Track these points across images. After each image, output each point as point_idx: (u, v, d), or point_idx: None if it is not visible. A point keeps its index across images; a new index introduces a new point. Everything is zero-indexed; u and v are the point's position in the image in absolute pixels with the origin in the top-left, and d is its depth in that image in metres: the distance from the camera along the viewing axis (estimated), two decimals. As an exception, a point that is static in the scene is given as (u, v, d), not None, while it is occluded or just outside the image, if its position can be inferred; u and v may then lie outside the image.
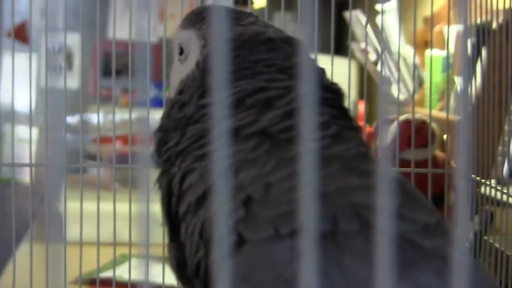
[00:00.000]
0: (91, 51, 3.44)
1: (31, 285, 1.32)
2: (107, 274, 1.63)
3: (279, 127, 0.79)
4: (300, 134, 0.44)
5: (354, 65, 3.13)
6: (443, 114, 1.51)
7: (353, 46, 2.56)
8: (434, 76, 2.24)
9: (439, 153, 1.70)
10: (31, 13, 1.41)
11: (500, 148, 1.53)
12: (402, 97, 2.42)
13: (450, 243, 0.69)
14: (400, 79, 2.45)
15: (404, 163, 1.45)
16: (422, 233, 0.70)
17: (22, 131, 2.54)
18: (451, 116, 1.42)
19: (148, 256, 0.46)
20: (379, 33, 1.55)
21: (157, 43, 3.13)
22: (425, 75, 2.57)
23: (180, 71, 0.92)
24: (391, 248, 0.41)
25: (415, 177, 1.34)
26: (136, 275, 1.47)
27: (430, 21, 1.49)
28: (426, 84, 2.50)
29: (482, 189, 1.43)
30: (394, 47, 2.54)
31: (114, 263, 1.41)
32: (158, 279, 1.36)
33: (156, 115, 0.94)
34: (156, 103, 1.40)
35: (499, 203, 1.40)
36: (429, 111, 1.49)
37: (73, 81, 3.10)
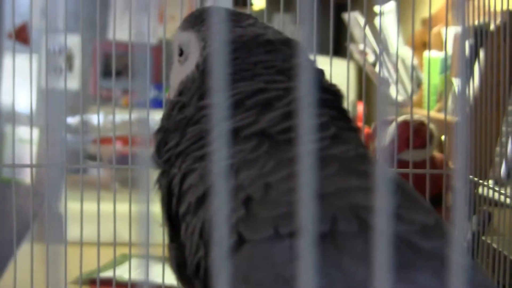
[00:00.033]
0: (91, 52, 3.43)
1: (31, 285, 1.32)
2: (107, 274, 1.63)
3: (279, 128, 0.79)
4: (299, 135, 0.44)
5: (352, 67, 3.12)
6: (441, 115, 1.51)
7: (352, 47, 2.56)
8: (432, 77, 2.24)
9: (437, 154, 1.70)
10: (32, 14, 1.41)
11: (497, 149, 1.53)
12: (400, 98, 2.43)
13: (448, 244, 0.69)
14: (398, 80, 2.45)
15: (402, 163, 1.45)
16: (420, 234, 0.70)
17: (23, 131, 2.54)
18: (449, 117, 1.43)
19: (148, 256, 0.46)
20: (378, 34, 1.55)
21: (157, 44, 3.13)
22: (423, 76, 2.57)
23: (179, 72, 0.92)
24: (389, 249, 0.42)
25: (413, 178, 1.34)
26: (136, 275, 1.47)
27: (428, 23, 1.49)
28: (424, 85, 2.51)
29: (480, 189, 1.43)
30: (392, 48, 2.54)
31: (114, 263, 1.41)
32: (158, 279, 1.36)
33: (156, 116, 0.94)
34: (156, 104, 1.40)
35: (496, 203, 1.40)
36: (427, 112, 1.49)
37: (73, 82, 3.09)
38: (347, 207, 0.71)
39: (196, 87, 0.86)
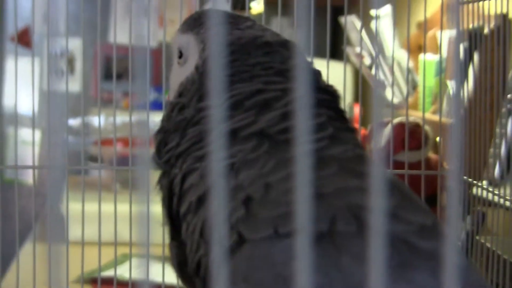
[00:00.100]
0: (92, 55, 3.43)
1: (34, 284, 1.33)
2: (108, 273, 1.63)
3: (278, 128, 0.79)
4: (298, 135, 0.46)
5: (349, 69, 3.11)
6: (436, 117, 1.52)
7: (348, 50, 2.57)
8: (427, 80, 2.24)
9: (432, 155, 1.70)
10: (34, 18, 1.41)
11: (491, 150, 1.53)
12: (396, 100, 2.43)
13: (445, 244, 0.70)
14: (394, 83, 2.46)
15: (398, 164, 1.45)
16: (418, 234, 0.70)
17: (25, 133, 2.54)
18: (444, 119, 1.44)
19: (148, 256, 0.46)
20: (374, 38, 1.56)
21: (156, 47, 3.12)
22: (419, 79, 2.57)
23: (179, 74, 0.92)
24: (385, 249, 0.42)
25: (408, 179, 1.35)
26: (137, 274, 1.47)
27: (424, 26, 1.49)
28: (420, 88, 2.50)
29: (474, 190, 1.44)
30: (388, 51, 2.54)
31: (115, 263, 1.41)
32: (158, 278, 1.36)
33: (156, 118, 0.95)
34: (156, 106, 1.40)
35: (490, 203, 1.40)
36: (422, 114, 1.49)
37: (74, 85, 3.09)
38: (346, 207, 0.71)
39: (196, 88, 0.87)
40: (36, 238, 1.40)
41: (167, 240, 0.90)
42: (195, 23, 0.93)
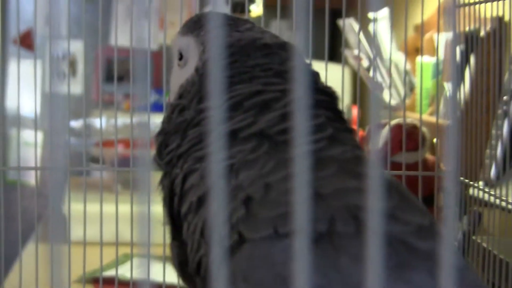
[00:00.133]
0: (94, 58, 3.44)
1: (36, 284, 1.34)
2: (110, 273, 1.63)
3: (277, 129, 0.80)
4: (297, 136, 0.46)
5: (347, 71, 3.12)
6: (433, 119, 1.52)
7: (347, 53, 2.57)
8: (424, 82, 2.24)
9: (429, 156, 1.70)
10: (36, 21, 1.41)
11: (487, 151, 1.53)
12: (393, 102, 2.44)
13: (442, 244, 0.71)
14: (391, 85, 2.47)
15: (396, 165, 1.44)
16: (416, 234, 0.70)
17: (27, 135, 2.55)
18: (441, 121, 1.44)
19: (149, 256, 0.46)
20: (372, 40, 1.58)
21: (157, 50, 3.12)
22: (416, 81, 2.57)
23: (179, 76, 0.93)
24: (384, 249, 0.42)
25: (406, 180, 1.36)
26: (138, 274, 1.47)
27: (421, 29, 1.50)
28: (417, 90, 2.50)
29: (471, 190, 1.44)
30: (386, 54, 2.55)
31: (117, 263, 1.41)
32: (159, 278, 1.36)
33: (157, 120, 0.95)
34: (157, 108, 1.41)
35: (486, 204, 1.40)
36: (419, 116, 1.50)
37: (76, 87, 3.11)
38: (345, 208, 0.71)
39: (196, 90, 0.87)
40: (38, 238, 1.40)
41: (168, 240, 0.90)
42: (195, 26, 0.94)
